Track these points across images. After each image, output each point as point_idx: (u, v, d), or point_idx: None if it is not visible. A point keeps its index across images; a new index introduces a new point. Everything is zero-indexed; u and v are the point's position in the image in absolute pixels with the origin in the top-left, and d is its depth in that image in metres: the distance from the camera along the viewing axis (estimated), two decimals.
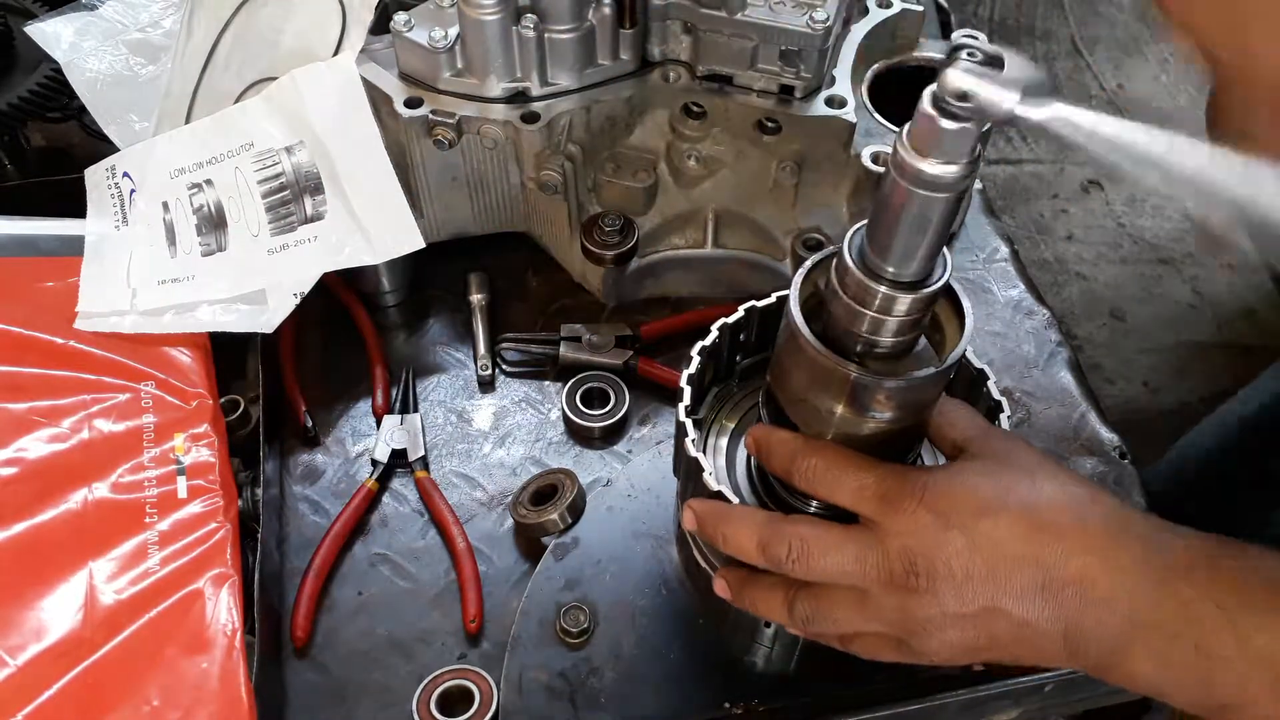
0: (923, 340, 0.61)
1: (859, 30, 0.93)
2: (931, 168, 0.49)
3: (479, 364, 0.98)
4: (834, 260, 0.57)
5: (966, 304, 0.59)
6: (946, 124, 0.48)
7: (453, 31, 0.87)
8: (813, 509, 0.68)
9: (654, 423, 0.95)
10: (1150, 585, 0.56)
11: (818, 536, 0.60)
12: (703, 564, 0.75)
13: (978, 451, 0.62)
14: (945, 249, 0.55)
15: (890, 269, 0.54)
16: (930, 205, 0.51)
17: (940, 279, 0.56)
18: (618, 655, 0.79)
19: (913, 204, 0.51)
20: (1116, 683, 0.58)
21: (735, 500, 0.66)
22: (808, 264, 0.61)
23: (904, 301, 0.55)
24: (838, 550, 0.60)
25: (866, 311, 0.56)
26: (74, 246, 0.91)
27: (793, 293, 0.60)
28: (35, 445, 0.80)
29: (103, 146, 0.96)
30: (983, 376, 0.68)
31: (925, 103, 0.48)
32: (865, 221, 0.55)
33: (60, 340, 0.85)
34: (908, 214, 0.51)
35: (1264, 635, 0.54)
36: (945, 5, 1.05)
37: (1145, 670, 0.57)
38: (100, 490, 0.79)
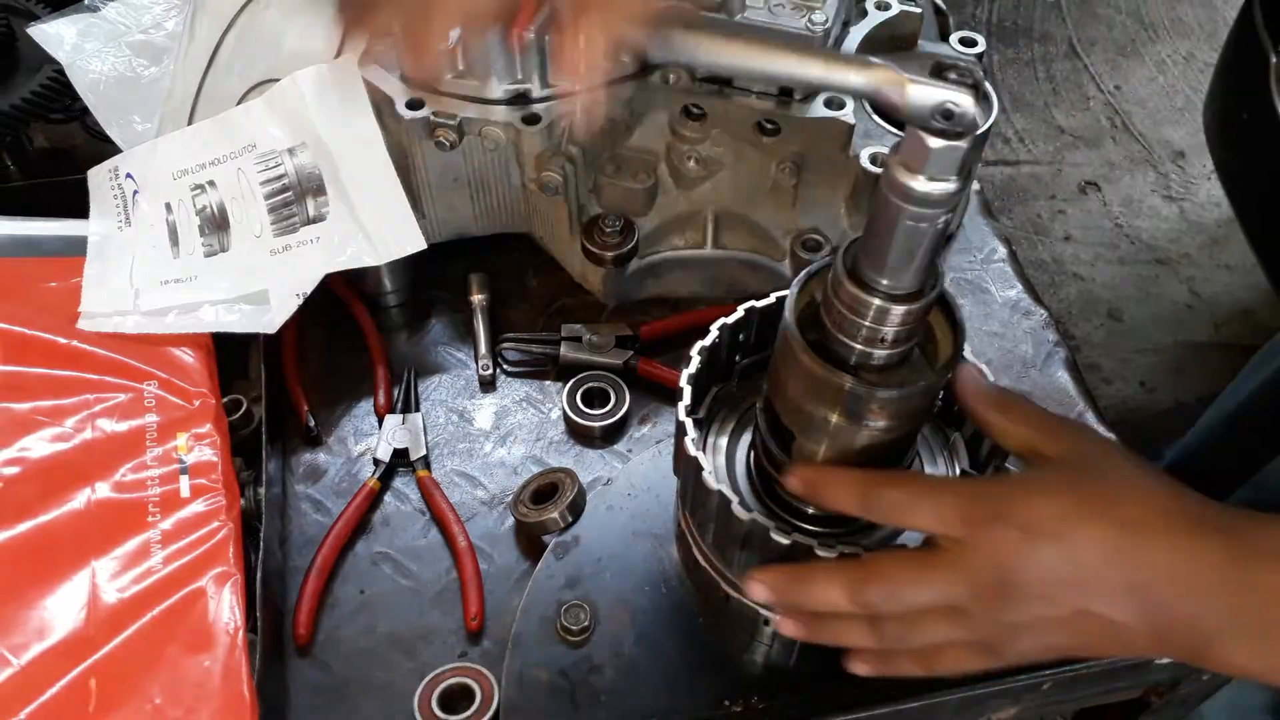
0: (917, 350, 0.62)
1: (858, 32, 0.93)
2: (921, 185, 0.50)
3: (480, 364, 0.98)
4: (829, 272, 0.58)
5: (960, 315, 0.60)
6: (933, 142, 0.48)
7: (454, 33, 0.87)
8: (812, 509, 0.68)
9: (654, 422, 0.96)
10: (1236, 577, 0.56)
11: (904, 572, 0.61)
12: (702, 563, 0.76)
13: (1050, 453, 0.62)
14: (938, 261, 0.56)
15: (884, 282, 0.55)
16: (921, 221, 0.52)
17: (933, 291, 0.56)
18: (618, 653, 0.79)
19: (904, 220, 0.52)
20: (1209, 669, 0.60)
21: (735, 500, 0.66)
22: (803, 274, 0.62)
23: (897, 314, 0.56)
24: (928, 583, 0.60)
25: (861, 323, 0.57)
26: (77, 247, 0.91)
27: (789, 303, 0.61)
28: (38, 445, 0.81)
29: (105, 148, 0.97)
30: None
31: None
32: (859, 234, 0.56)
33: (63, 340, 0.86)
34: (899, 229, 0.52)
35: None
36: (943, 7, 1.05)
37: (1239, 659, 0.58)
38: (103, 489, 0.79)
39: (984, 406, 0.64)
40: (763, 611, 0.73)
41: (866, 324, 0.57)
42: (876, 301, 0.56)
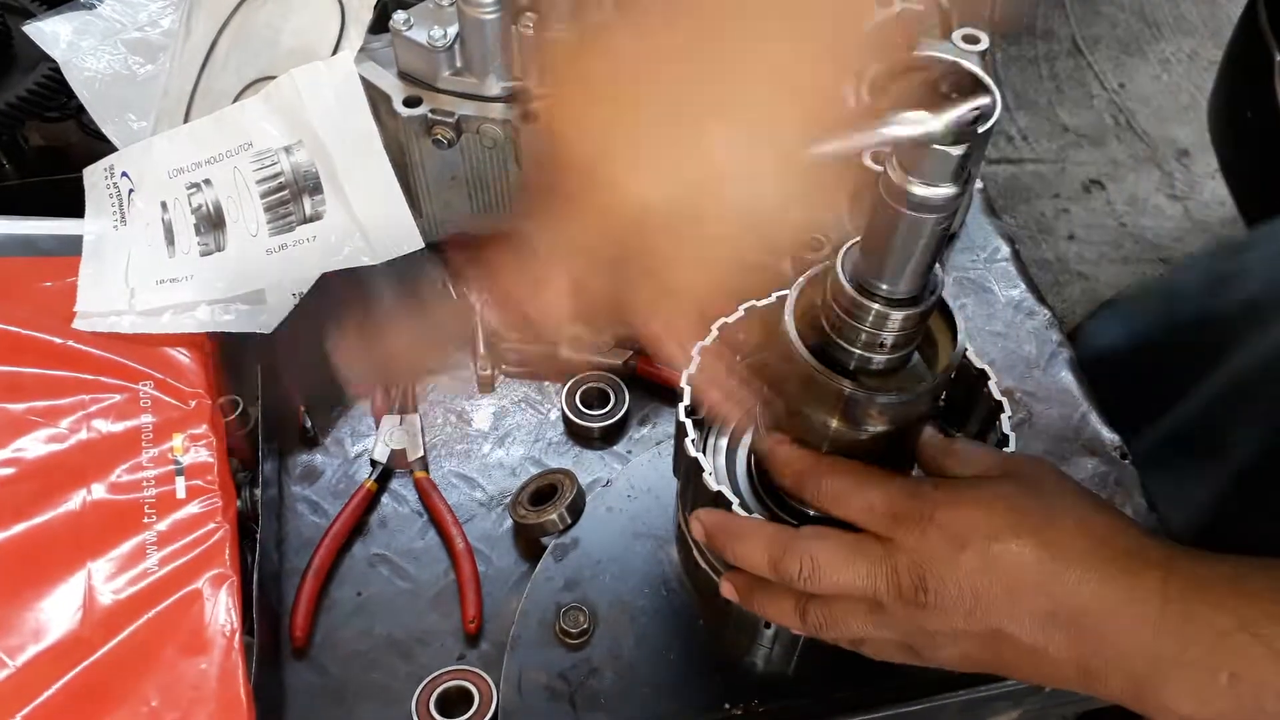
0: (916, 354, 0.62)
1: None
2: (919, 189, 0.50)
3: (479, 364, 0.97)
4: (828, 276, 0.58)
5: (959, 319, 0.60)
6: (932, 146, 0.48)
7: (452, 30, 0.87)
8: (813, 511, 0.68)
9: (654, 423, 0.95)
10: (1174, 616, 0.54)
11: (828, 553, 0.60)
12: (703, 565, 0.75)
13: (994, 473, 0.61)
14: (938, 265, 0.56)
15: (883, 286, 0.55)
16: (919, 226, 0.51)
17: (932, 297, 0.56)
18: (617, 656, 0.78)
19: (902, 224, 0.52)
20: (1149, 715, 0.57)
21: (735, 501, 0.66)
22: (803, 278, 0.61)
23: (896, 319, 0.56)
24: (848, 567, 0.59)
25: (860, 328, 0.57)
26: (72, 246, 0.91)
27: (788, 307, 0.60)
28: (33, 445, 0.80)
29: (101, 146, 0.96)
30: (984, 376, 0.68)
31: None
32: (858, 239, 0.56)
33: (58, 340, 0.85)
34: (898, 234, 0.52)
35: None
36: (945, 4, 1.04)
37: (1183, 706, 0.55)
38: (98, 491, 0.79)
39: (937, 454, 0.64)
40: None
41: (866, 329, 0.57)
42: (876, 306, 0.56)
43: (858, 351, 0.58)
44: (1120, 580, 0.55)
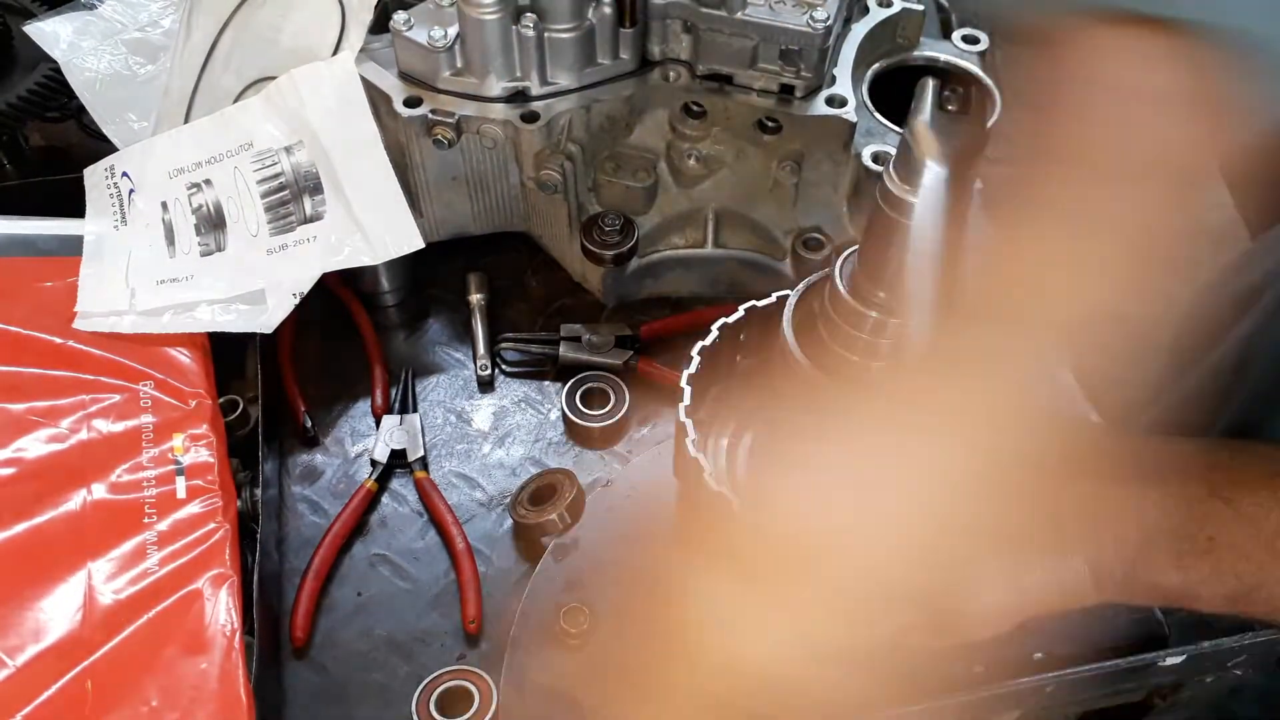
0: None
1: (860, 29, 0.93)
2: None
3: (478, 364, 0.97)
4: (827, 283, 0.58)
5: None
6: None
7: (452, 31, 0.87)
8: None
9: (654, 423, 0.95)
10: (1153, 491, 0.55)
11: None
12: None
13: None
14: None
15: (881, 294, 0.55)
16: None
17: None
18: None
19: (901, 234, 0.51)
20: (1145, 599, 0.58)
21: (736, 501, 0.65)
22: (803, 285, 0.62)
23: (894, 327, 0.56)
24: None
25: (858, 335, 0.57)
26: (73, 246, 0.91)
27: (787, 314, 0.61)
28: (34, 445, 0.80)
29: (102, 146, 0.96)
30: None
31: (907, 136, 0.49)
32: (857, 247, 0.56)
33: (59, 340, 0.85)
34: (897, 243, 0.52)
35: (1273, 516, 0.54)
36: (946, 4, 1.04)
37: (1169, 578, 0.56)
38: (99, 491, 0.79)
39: None
40: None
41: (864, 336, 0.57)
42: (874, 314, 0.56)
43: (855, 359, 0.58)
44: (1096, 472, 0.56)
